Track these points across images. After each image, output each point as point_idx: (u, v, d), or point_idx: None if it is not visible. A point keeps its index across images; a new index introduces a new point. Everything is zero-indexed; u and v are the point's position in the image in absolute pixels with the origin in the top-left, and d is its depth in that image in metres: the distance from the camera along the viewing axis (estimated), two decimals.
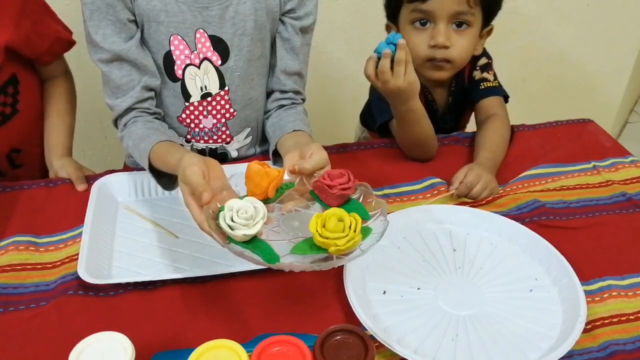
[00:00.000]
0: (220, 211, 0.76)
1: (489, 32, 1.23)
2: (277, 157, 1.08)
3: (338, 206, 0.81)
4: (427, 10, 1.14)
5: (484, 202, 1.06)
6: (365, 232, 0.78)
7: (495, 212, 1.01)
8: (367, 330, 0.79)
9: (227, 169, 0.88)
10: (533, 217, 1.02)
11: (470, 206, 1.04)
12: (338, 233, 0.74)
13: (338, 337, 0.75)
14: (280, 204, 0.85)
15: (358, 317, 0.81)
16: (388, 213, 0.99)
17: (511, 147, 1.20)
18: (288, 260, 0.75)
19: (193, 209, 0.79)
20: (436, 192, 1.08)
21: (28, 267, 0.92)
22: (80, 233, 0.95)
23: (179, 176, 0.82)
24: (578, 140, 1.24)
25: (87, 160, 1.35)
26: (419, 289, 0.90)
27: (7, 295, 0.88)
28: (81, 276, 0.86)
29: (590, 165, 1.16)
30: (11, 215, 1.02)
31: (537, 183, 1.11)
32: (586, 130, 1.27)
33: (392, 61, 1.00)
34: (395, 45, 0.99)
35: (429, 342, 0.81)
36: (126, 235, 1.00)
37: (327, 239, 0.74)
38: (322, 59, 1.24)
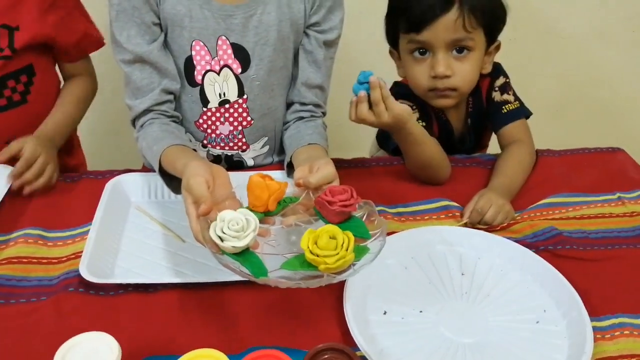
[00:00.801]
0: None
1: (497, 47, 1.18)
2: (292, 170, 1.07)
3: (339, 223, 0.79)
4: (423, 40, 1.10)
5: (498, 227, 1.02)
6: (362, 251, 0.76)
7: (510, 238, 0.97)
8: (361, 351, 0.77)
9: (235, 177, 0.87)
10: (548, 246, 0.98)
11: (485, 231, 1.01)
12: (329, 251, 0.72)
13: (326, 356, 0.73)
14: (284, 217, 0.84)
15: (354, 337, 0.79)
16: (398, 231, 0.98)
17: (533, 173, 1.16)
18: (277, 275, 0.74)
19: (191, 218, 0.79)
20: (451, 215, 1.06)
21: (34, 260, 0.94)
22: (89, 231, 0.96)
23: (182, 184, 0.82)
24: (605, 169, 1.19)
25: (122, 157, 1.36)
26: (421, 311, 0.87)
27: (10, 287, 0.89)
28: (82, 273, 0.86)
29: (615, 197, 1.11)
30: (25, 208, 1.04)
31: (556, 211, 1.07)
32: (615, 160, 1.22)
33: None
34: (368, 83, 0.97)
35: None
36: (134, 236, 1.00)
37: (317, 256, 0.72)
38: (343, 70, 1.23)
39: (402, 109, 1.00)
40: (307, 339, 0.82)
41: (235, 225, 0.73)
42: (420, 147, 1.08)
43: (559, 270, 0.90)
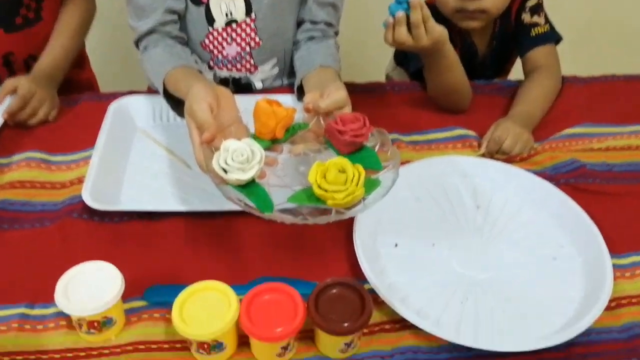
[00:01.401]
0: None
1: None
2: (302, 94, 1.02)
3: (349, 153, 0.75)
4: None
5: (518, 158, 0.97)
6: (373, 184, 0.72)
7: (529, 170, 0.93)
8: (370, 284, 0.75)
9: (241, 100, 0.82)
10: (569, 179, 0.93)
11: (504, 162, 0.96)
12: (338, 185, 0.68)
13: (335, 291, 0.71)
14: (292, 144, 0.80)
15: (363, 269, 0.77)
16: (412, 161, 0.94)
17: (557, 102, 1.09)
18: (283, 208, 0.71)
19: (195, 145, 0.75)
20: (468, 144, 1.01)
21: (37, 184, 0.91)
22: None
23: (185, 108, 0.77)
24: (634, 98, 1.12)
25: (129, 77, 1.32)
26: (433, 245, 0.84)
27: (14, 212, 0.87)
28: (85, 200, 0.84)
29: None
30: (27, 130, 1.01)
31: (579, 142, 1.01)
32: None
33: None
34: (408, 3, 0.89)
35: (434, 304, 0.76)
36: (139, 161, 0.97)
37: (326, 191, 0.69)
38: None
39: (442, 32, 0.94)
40: (315, 271, 0.80)
41: (240, 157, 0.69)
42: (450, 73, 1.02)
43: (579, 204, 0.86)
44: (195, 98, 0.76)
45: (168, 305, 0.75)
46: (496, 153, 0.97)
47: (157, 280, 0.79)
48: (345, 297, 0.70)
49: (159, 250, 0.83)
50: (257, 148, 0.70)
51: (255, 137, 0.77)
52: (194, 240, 0.84)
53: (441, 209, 0.90)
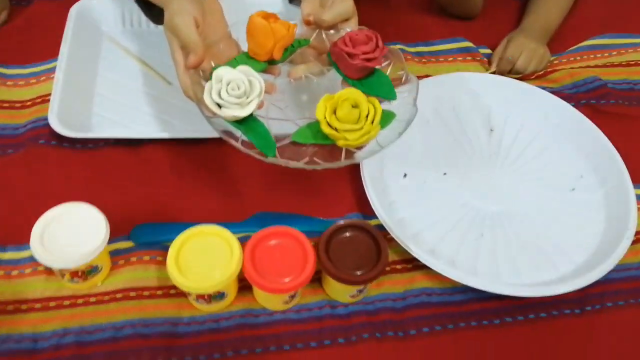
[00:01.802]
0: (211, 75, 0.61)
1: None
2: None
3: (359, 79, 0.66)
4: None
5: (533, 76, 0.89)
6: (387, 117, 0.64)
7: (546, 89, 0.85)
8: (379, 219, 0.69)
9: (230, 10, 0.70)
10: (590, 100, 0.86)
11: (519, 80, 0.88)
12: (350, 124, 0.59)
13: (347, 234, 0.64)
14: (291, 63, 0.69)
15: (371, 204, 0.70)
16: (419, 75, 0.85)
17: (575, 9, 0.99)
18: (285, 143, 0.62)
19: (179, 68, 0.64)
20: (478, 58, 0.91)
21: None
22: (54, 68, 0.80)
23: (166, 23, 0.65)
24: None
25: None
26: (445, 174, 0.78)
27: None
28: (52, 124, 0.73)
29: None
30: None
31: (598, 55, 0.93)
32: None
33: None
34: None
35: (448, 241, 0.71)
36: (110, 76, 0.85)
37: (336, 130, 0.60)
38: None
39: None
40: (318, 205, 0.73)
41: (236, 89, 0.59)
42: None
43: (600, 129, 0.80)
44: (177, 10, 0.63)
45: (158, 247, 0.68)
46: (508, 72, 0.88)
47: (143, 217, 0.71)
48: (358, 241, 0.64)
49: (142, 182, 0.74)
50: (256, 78, 0.60)
51: (248, 57, 0.66)
52: (180, 170, 0.75)
53: (452, 133, 0.82)
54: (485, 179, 0.77)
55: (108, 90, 0.83)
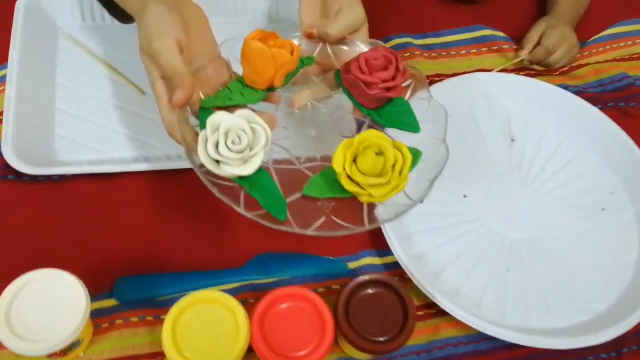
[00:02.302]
0: (201, 117, 0.50)
1: None
2: None
3: (375, 109, 0.56)
4: None
5: (557, 72, 0.80)
6: (412, 156, 0.54)
7: (569, 88, 0.76)
8: (394, 256, 0.61)
9: (218, 23, 0.59)
10: (618, 102, 0.78)
11: (539, 75, 0.78)
12: (375, 178, 0.50)
13: (369, 292, 0.56)
14: (292, 85, 0.58)
15: (387, 239, 0.62)
16: (430, 73, 0.75)
17: None
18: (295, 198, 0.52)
19: (161, 102, 0.52)
20: (495, 48, 0.81)
21: None
22: (4, 77, 0.67)
23: (142, 46, 0.53)
24: None
25: None
26: (464, 196, 0.69)
27: None
28: (7, 159, 0.61)
29: None
30: None
31: (622, 44, 0.84)
32: None
33: None
34: None
35: (473, 279, 0.64)
36: (71, 85, 0.72)
37: (358, 184, 0.50)
38: None
39: None
40: (327, 243, 0.64)
41: (237, 142, 0.48)
42: None
43: (630, 135, 0.72)
44: (155, 32, 0.51)
45: (145, 303, 0.59)
46: (537, 63, 0.79)
47: (124, 265, 0.61)
48: (381, 300, 0.56)
49: (119, 220, 0.63)
50: (260, 125, 0.49)
51: (244, 84, 0.55)
52: (164, 202, 0.65)
53: (470, 145, 0.73)
54: (508, 199, 0.70)
55: (70, 104, 0.70)
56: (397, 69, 0.54)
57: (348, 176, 0.50)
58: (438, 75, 0.78)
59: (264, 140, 0.49)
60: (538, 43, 0.78)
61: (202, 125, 0.50)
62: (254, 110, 0.51)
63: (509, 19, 0.84)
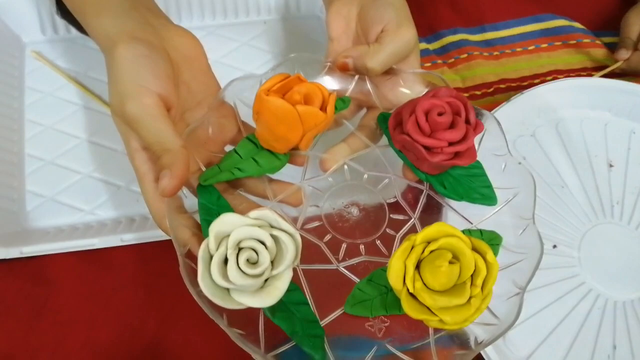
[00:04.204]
0: (200, 198, 0.35)
1: None
2: None
3: (437, 174, 0.40)
4: None
5: None
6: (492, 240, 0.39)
7: None
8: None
9: (224, 31, 0.44)
10: None
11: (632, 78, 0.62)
12: (448, 298, 0.34)
13: None
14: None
15: None
16: (491, 77, 0.59)
17: None
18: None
19: (144, 181, 0.38)
20: (573, 42, 0.65)
21: None
22: None
23: (113, 106, 0.37)
24: None
25: None
26: (554, 246, 0.54)
27: None
28: None
29: None
30: None
31: None
32: None
33: None
34: None
35: None
36: (42, 121, 0.57)
37: (425, 307, 0.34)
38: None
39: None
40: None
41: (254, 262, 0.33)
42: None
43: None
44: (130, 88, 0.36)
45: None
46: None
47: None
48: None
49: (110, 307, 0.48)
50: (287, 231, 0.34)
51: (258, 146, 0.40)
52: (159, 280, 0.50)
53: (558, 173, 0.57)
54: (611, 249, 0.54)
55: (44, 148, 0.55)
56: (467, 121, 0.39)
57: (411, 294, 0.35)
58: (503, 81, 0.62)
59: (292, 254, 0.33)
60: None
61: (202, 213, 0.35)
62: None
63: (585, 6, 0.66)
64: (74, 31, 0.60)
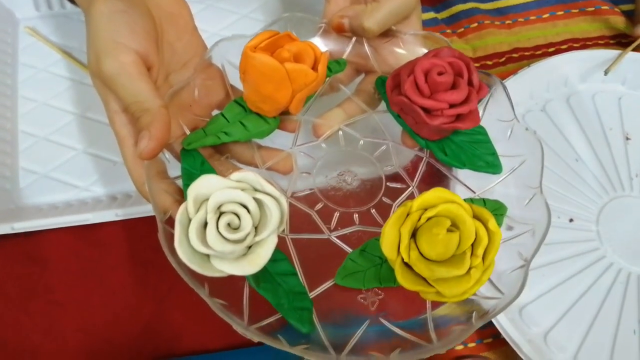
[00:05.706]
0: (184, 163, 0.33)
1: None
2: None
3: (438, 140, 0.38)
4: None
5: None
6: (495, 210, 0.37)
7: None
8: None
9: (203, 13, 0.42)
10: None
11: None
12: (446, 268, 0.31)
13: None
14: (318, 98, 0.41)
15: None
16: (504, 47, 0.56)
17: None
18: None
19: (124, 144, 0.36)
20: (591, 9, 0.61)
21: None
22: None
23: (90, 66, 0.35)
24: None
25: None
26: (571, 220, 0.51)
27: None
28: None
29: None
30: None
31: None
32: None
33: None
34: None
35: (590, 343, 0.46)
36: (36, 97, 0.55)
37: (425, 280, 0.32)
38: None
39: None
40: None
41: (236, 227, 0.31)
42: None
43: None
44: (106, 45, 0.34)
45: None
46: None
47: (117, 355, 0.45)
48: None
49: (104, 285, 0.47)
50: (271, 195, 0.31)
51: (246, 109, 0.38)
52: (154, 256, 0.48)
53: (571, 147, 0.54)
54: (629, 219, 0.51)
55: (38, 124, 0.53)
56: (470, 83, 0.36)
57: (406, 264, 0.32)
58: (515, 50, 0.59)
59: (277, 219, 0.31)
60: None
61: (184, 179, 0.33)
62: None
63: None
64: (68, 6, 0.59)
